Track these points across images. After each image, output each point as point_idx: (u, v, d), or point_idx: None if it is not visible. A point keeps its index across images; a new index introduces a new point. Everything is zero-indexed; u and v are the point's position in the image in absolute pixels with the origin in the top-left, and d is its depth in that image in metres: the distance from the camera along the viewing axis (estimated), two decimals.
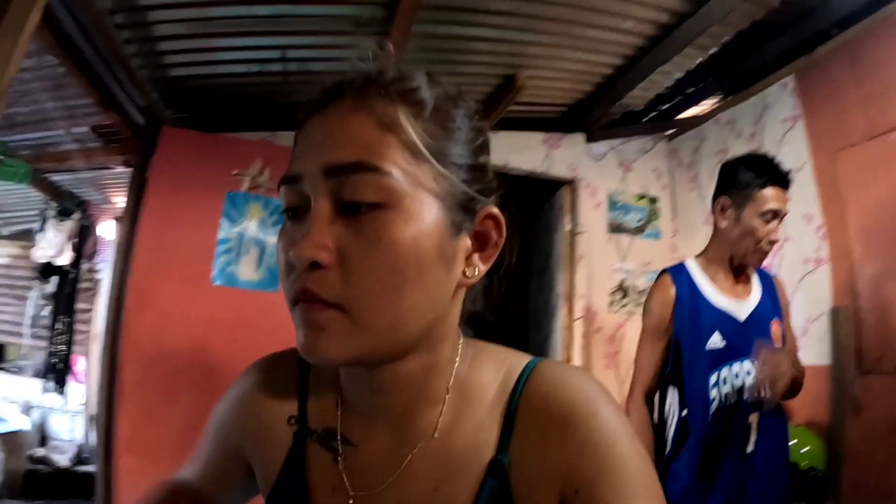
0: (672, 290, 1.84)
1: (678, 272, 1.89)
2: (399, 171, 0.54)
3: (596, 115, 3.56)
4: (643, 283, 3.68)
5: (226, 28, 2.57)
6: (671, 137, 3.98)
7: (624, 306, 3.66)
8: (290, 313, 0.57)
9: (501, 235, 0.64)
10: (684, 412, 1.79)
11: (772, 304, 1.87)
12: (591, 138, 3.82)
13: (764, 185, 1.76)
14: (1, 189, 4.29)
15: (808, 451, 2.43)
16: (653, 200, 3.89)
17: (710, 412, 1.74)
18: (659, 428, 1.86)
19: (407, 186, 0.54)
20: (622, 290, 3.68)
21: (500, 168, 3.48)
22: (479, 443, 0.62)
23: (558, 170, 3.72)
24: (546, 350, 3.86)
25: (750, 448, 1.74)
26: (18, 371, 4.70)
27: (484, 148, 0.64)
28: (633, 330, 3.59)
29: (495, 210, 0.63)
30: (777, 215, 1.76)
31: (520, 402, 0.62)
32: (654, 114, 3.94)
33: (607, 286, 3.67)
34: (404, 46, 2.64)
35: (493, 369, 0.66)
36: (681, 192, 3.88)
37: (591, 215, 3.73)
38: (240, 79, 2.95)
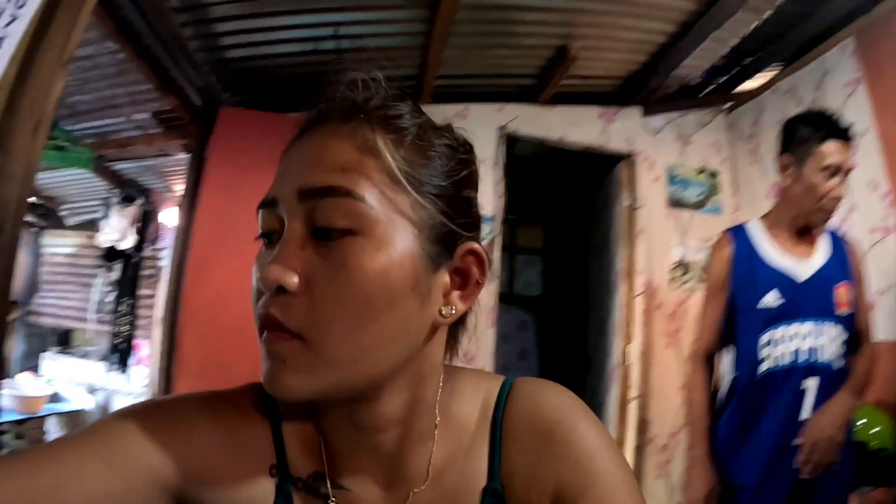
0: (729, 248, 1.83)
1: (737, 231, 1.88)
2: (374, 197, 0.53)
3: (652, 86, 3.46)
4: (704, 259, 3.55)
5: (279, 7, 2.59)
6: (730, 110, 3.84)
7: (685, 283, 3.56)
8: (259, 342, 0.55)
9: (484, 273, 0.61)
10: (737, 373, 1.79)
11: (840, 267, 1.78)
12: (647, 112, 3.72)
13: (823, 140, 1.70)
14: (66, 180, 4.43)
15: (877, 431, 2.29)
16: (713, 175, 3.77)
17: (759, 373, 1.72)
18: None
19: (381, 213, 0.53)
20: (683, 266, 3.57)
21: (556, 143, 3.52)
22: (470, 473, 0.62)
23: (615, 144, 3.64)
24: (606, 329, 3.79)
25: (804, 415, 1.68)
26: (85, 355, 4.86)
27: (468, 182, 0.61)
28: (694, 307, 3.47)
29: (477, 246, 0.60)
30: (839, 170, 1.70)
31: (503, 425, 0.63)
32: (711, 87, 3.82)
33: (667, 262, 3.57)
34: (454, 19, 2.62)
35: (472, 396, 0.65)
36: (742, 166, 3.74)
37: (649, 190, 3.63)
38: (294, 58, 2.97)
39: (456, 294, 0.59)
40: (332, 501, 0.61)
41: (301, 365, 0.52)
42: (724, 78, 3.70)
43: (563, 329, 4.84)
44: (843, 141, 1.71)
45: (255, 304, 0.55)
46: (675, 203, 3.65)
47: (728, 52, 3.21)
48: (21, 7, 0.87)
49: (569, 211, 5.00)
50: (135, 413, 0.59)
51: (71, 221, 5.07)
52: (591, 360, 4.12)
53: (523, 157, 4.39)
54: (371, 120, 0.56)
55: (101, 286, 4.64)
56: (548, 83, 3.30)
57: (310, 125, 0.58)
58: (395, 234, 0.53)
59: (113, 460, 0.53)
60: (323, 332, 0.51)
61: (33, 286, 5.03)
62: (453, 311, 0.58)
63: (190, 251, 2.89)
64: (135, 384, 4.24)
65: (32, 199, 4.74)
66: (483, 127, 3.47)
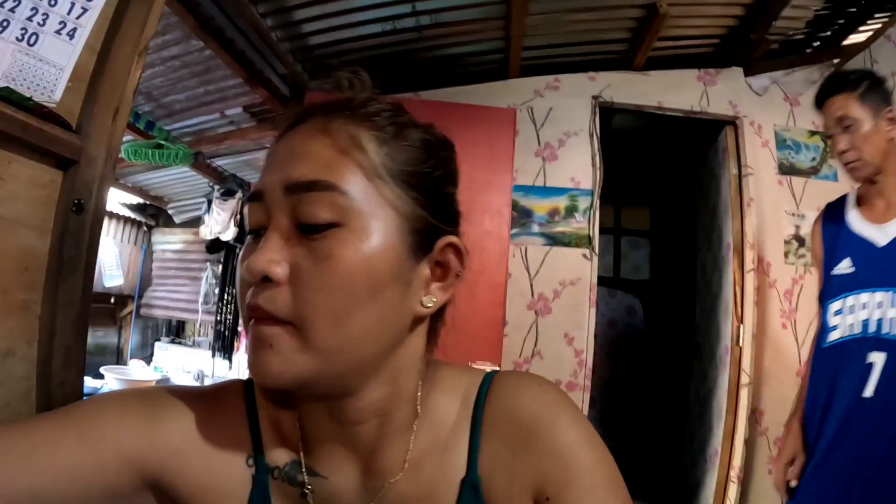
0: (820, 220, 1.83)
1: (836, 201, 1.82)
2: (357, 189, 0.54)
3: (752, 43, 3.20)
4: None
5: None
6: (840, 66, 3.48)
7: (801, 257, 3.27)
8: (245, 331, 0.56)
9: (463, 266, 0.62)
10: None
11: None
12: (749, 72, 3.45)
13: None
14: (170, 179, 4.69)
15: None
16: (826, 137, 3.43)
17: (828, 342, 1.64)
18: None
19: (364, 205, 0.54)
20: (798, 238, 3.28)
21: (654, 109, 3.33)
22: (448, 466, 0.62)
23: (717, 107, 3.38)
24: (716, 310, 3.55)
25: (868, 392, 1.52)
26: (194, 345, 5.13)
27: (448, 178, 0.64)
28: (811, 284, 3.22)
29: (457, 239, 0.62)
30: (829, 130, 1.66)
31: (483, 419, 0.63)
32: (818, 42, 3.51)
33: (781, 234, 3.29)
34: None
35: (452, 391, 0.65)
36: None
37: (757, 156, 3.34)
38: (376, 39, 2.95)
39: (436, 286, 0.61)
40: (308, 489, 0.62)
41: (286, 350, 0.53)
42: (831, 31, 3.40)
43: (672, 313, 4.63)
44: (831, 97, 1.65)
45: (240, 297, 0.57)
46: (787, 170, 3.35)
47: (831, 1, 2.93)
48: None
49: (675, 189, 4.78)
50: (115, 397, 0.63)
51: (178, 219, 5.36)
52: (699, 346, 3.89)
53: (623, 131, 4.23)
54: (355, 116, 0.58)
55: (208, 279, 4.87)
56: (640, 47, 3.12)
57: (295, 122, 0.60)
58: (379, 225, 0.55)
59: (85, 437, 0.57)
60: (311, 321, 0.52)
61: (145, 281, 5.35)
62: (434, 301, 0.60)
63: None
64: (237, 370, 4.41)
65: (141, 200, 5.04)
66: (576, 97, 3.35)
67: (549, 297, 3.20)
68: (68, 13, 0.91)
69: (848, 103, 1.60)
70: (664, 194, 5.04)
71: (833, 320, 1.64)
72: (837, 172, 3.36)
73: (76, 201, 0.95)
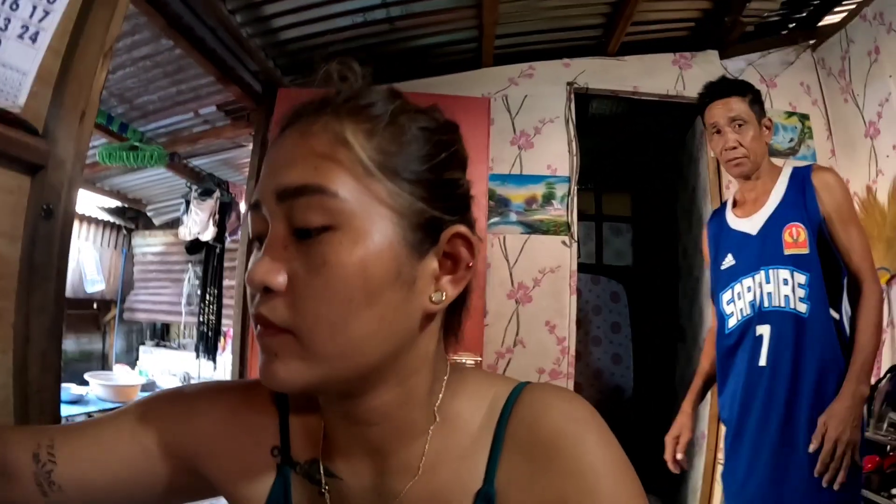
0: (705, 231, 2.03)
1: (717, 209, 2.03)
2: (348, 190, 0.52)
3: (727, 25, 3.21)
4: None
5: None
6: (815, 46, 3.50)
7: None
8: None
9: (474, 256, 0.59)
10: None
11: (793, 207, 1.75)
12: (725, 54, 3.46)
13: (705, 107, 1.85)
14: (148, 181, 4.65)
15: None
16: (803, 118, 3.44)
17: (728, 328, 1.82)
18: None
19: (356, 206, 0.52)
20: None
21: (629, 94, 3.32)
22: (464, 475, 0.60)
23: (693, 91, 3.30)
24: (698, 294, 3.57)
25: (762, 362, 1.72)
26: (180, 348, 5.11)
27: (451, 163, 0.59)
28: None
29: (464, 229, 0.58)
30: (718, 126, 1.80)
31: (506, 431, 0.60)
32: (793, 24, 3.52)
33: None
34: None
35: (478, 398, 0.63)
36: (834, 105, 3.39)
37: None
38: (348, 32, 2.93)
39: (446, 279, 0.58)
40: (325, 489, 0.62)
41: (291, 357, 0.53)
42: (806, 12, 3.41)
43: (655, 298, 4.66)
44: (724, 98, 1.81)
45: (250, 305, 0.56)
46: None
47: None
48: (53, 2, 0.91)
49: (656, 174, 4.80)
50: (158, 399, 0.71)
51: (157, 221, 5.32)
52: (683, 329, 3.90)
53: (602, 118, 4.23)
54: (340, 112, 0.55)
55: (190, 280, 4.84)
56: (614, 32, 3.13)
57: (286, 125, 0.58)
58: (373, 226, 0.53)
59: (136, 434, 0.66)
60: (310, 329, 0.52)
61: (127, 285, 5.31)
62: (444, 297, 0.57)
63: None
64: (223, 371, 4.40)
65: (120, 203, 5.00)
66: (551, 84, 3.35)
67: (529, 285, 3.20)
68: (30, 17, 0.89)
69: (742, 105, 1.78)
70: (645, 180, 5.05)
71: (727, 308, 1.82)
72: (815, 153, 3.37)
73: (45, 206, 0.94)
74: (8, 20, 0.86)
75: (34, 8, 0.89)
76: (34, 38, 0.90)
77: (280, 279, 0.52)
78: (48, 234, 0.95)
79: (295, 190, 0.52)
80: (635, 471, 0.57)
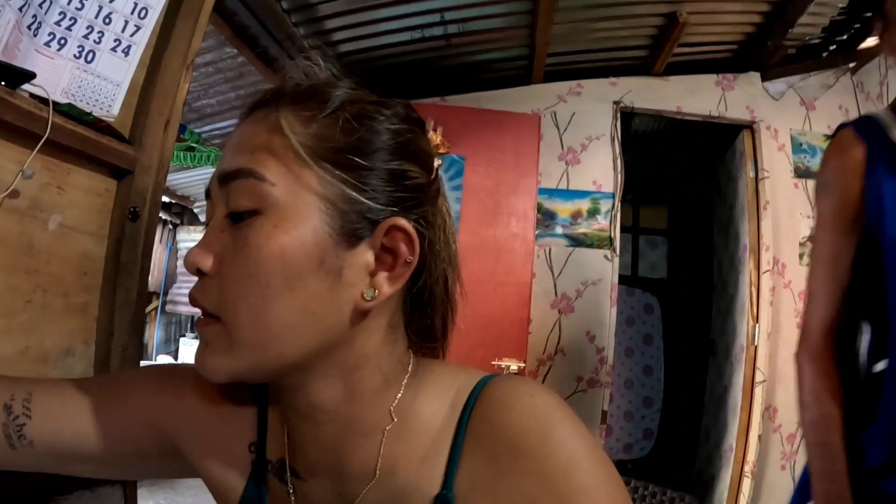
0: (859, 150, 1.08)
1: (865, 125, 1.12)
2: (277, 175, 0.52)
3: (769, 49, 3.27)
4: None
5: None
6: (855, 70, 3.53)
7: None
8: None
9: (414, 252, 0.56)
10: (880, 365, 1.05)
11: None
12: (766, 77, 3.51)
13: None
14: (198, 178, 4.78)
15: None
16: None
17: None
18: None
19: (284, 192, 0.52)
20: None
21: (673, 114, 3.42)
22: (423, 478, 0.57)
23: (735, 112, 3.46)
24: (731, 309, 3.63)
25: None
26: None
27: (401, 153, 0.57)
28: None
29: (403, 222, 0.55)
30: None
31: (468, 430, 0.56)
32: (833, 47, 3.54)
33: (796, 236, 3.36)
34: None
35: (439, 395, 0.60)
36: None
37: (774, 159, 3.42)
38: (405, 47, 3.03)
39: (383, 275, 0.56)
40: (291, 489, 0.62)
41: (219, 347, 0.53)
42: (846, 35, 3.43)
43: (688, 312, 4.68)
44: None
45: None
46: (803, 173, 3.42)
47: (847, 6, 2.99)
48: (143, 18, 0.97)
49: (693, 189, 4.81)
50: (150, 370, 0.71)
51: (203, 218, 5.45)
52: (715, 343, 3.96)
53: (643, 134, 4.29)
54: (283, 100, 0.56)
55: None
56: (660, 53, 3.20)
57: (242, 116, 0.59)
58: (298, 212, 0.52)
59: (118, 402, 0.66)
60: (232, 313, 0.52)
61: (170, 278, 5.44)
62: (376, 294, 0.55)
63: None
64: None
65: (168, 199, 5.14)
66: (598, 102, 3.43)
67: (571, 296, 3.29)
68: (122, 31, 0.95)
69: None
70: (682, 194, 5.08)
71: None
72: None
73: (132, 209, 1.00)
74: (102, 34, 0.92)
75: (126, 23, 0.95)
76: (126, 52, 0.96)
77: (208, 262, 0.54)
78: (133, 234, 1.00)
79: (230, 174, 0.54)
80: (613, 463, 0.54)
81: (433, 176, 0.61)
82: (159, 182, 1.06)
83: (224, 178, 0.55)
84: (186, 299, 4.13)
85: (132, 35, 0.96)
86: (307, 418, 0.58)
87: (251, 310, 0.52)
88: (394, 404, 0.58)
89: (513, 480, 0.52)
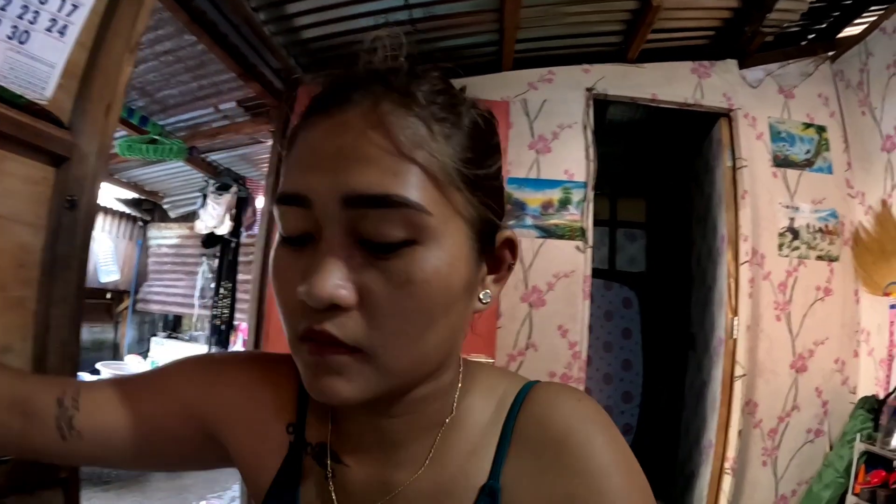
0: None
1: None
2: (430, 202, 0.48)
3: (747, 35, 3.20)
4: (816, 222, 3.28)
5: None
6: (834, 58, 3.50)
7: (795, 249, 3.27)
8: (290, 347, 0.53)
9: (515, 258, 0.59)
10: None
11: None
12: (744, 64, 3.45)
13: None
14: (166, 174, 4.69)
15: None
16: (820, 129, 3.43)
17: None
18: None
19: (438, 219, 0.49)
20: (792, 231, 3.28)
21: (648, 101, 3.32)
22: (470, 469, 0.58)
23: (712, 100, 3.39)
24: (710, 302, 3.58)
25: None
26: (192, 340, 5.15)
27: (500, 169, 0.58)
28: (805, 277, 3.26)
29: (512, 234, 0.58)
30: None
31: (514, 427, 0.58)
32: (813, 35, 3.52)
33: (775, 226, 3.29)
34: None
35: (489, 394, 0.61)
36: (851, 118, 3.39)
37: (752, 148, 3.35)
38: (368, 32, 2.93)
39: (490, 278, 0.58)
40: (330, 474, 0.61)
41: (359, 377, 0.50)
42: (826, 23, 3.40)
43: (668, 305, 4.65)
44: None
45: (284, 312, 0.52)
46: (781, 162, 3.36)
47: None
48: None
49: (672, 181, 4.77)
50: (187, 361, 0.71)
51: (173, 214, 5.37)
52: (694, 337, 3.90)
53: (619, 124, 4.22)
54: (410, 102, 0.49)
55: (204, 273, 4.88)
56: (634, 39, 3.13)
57: (334, 102, 0.50)
58: (451, 239, 0.50)
59: (158, 392, 0.67)
60: (385, 347, 0.49)
61: (141, 276, 5.35)
62: (490, 296, 0.57)
63: (275, 225, 2.95)
64: None
65: (137, 195, 5.05)
66: (570, 90, 3.35)
67: (542, 289, 3.21)
68: (59, 10, 0.91)
69: None
70: (660, 186, 5.04)
71: None
72: (832, 165, 3.38)
73: (69, 198, 0.96)
74: (37, 13, 0.88)
75: (63, 2, 0.91)
76: (62, 32, 0.92)
77: (352, 296, 0.48)
78: (71, 225, 0.97)
79: (373, 199, 0.47)
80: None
81: None
82: (99, 169, 1.03)
83: (359, 201, 0.47)
84: (158, 297, 4.06)
85: (69, 15, 0.93)
86: (381, 413, 0.58)
87: (410, 340, 0.50)
88: (455, 401, 0.60)
89: (555, 475, 0.55)
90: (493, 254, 0.57)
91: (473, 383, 0.62)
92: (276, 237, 0.54)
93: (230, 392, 0.66)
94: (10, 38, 0.85)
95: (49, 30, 0.90)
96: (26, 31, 0.87)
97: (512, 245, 0.58)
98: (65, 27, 0.92)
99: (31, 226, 0.93)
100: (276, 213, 0.52)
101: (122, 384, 0.68)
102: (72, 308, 0.98)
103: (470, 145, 0.51)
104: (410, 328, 0.49)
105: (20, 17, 0.86)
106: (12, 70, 0.86)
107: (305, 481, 0.62)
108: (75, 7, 0.93)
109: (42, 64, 0.90)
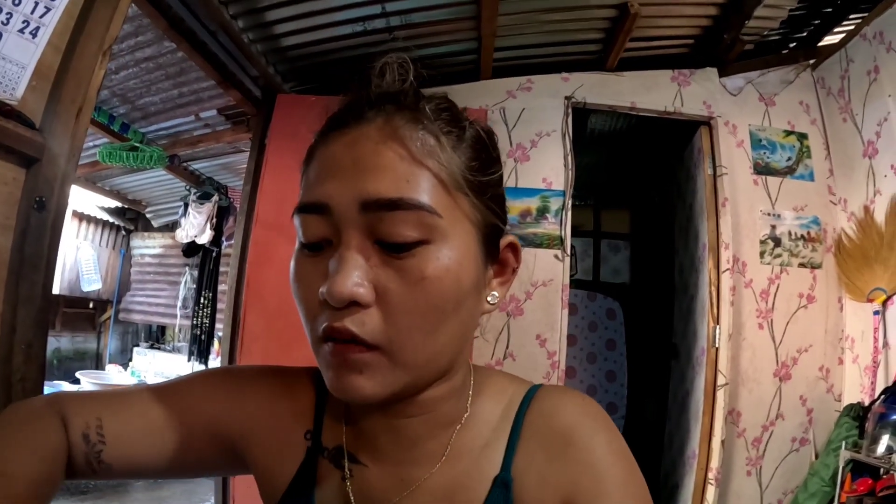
0: None
1: None
2: (441, 205, 0.53)
3: (726, 43, 3.20)
4: (798, 229, 3.27)
5: None
6: (815, 66, 3.51)
7: (777, 257, 3.26)
8: (313, 349, 0.56)
9: (518, 262, 0.64)
10: None
11: None
12: (724, 72, 3.45)
13: None
14: (148, 182, 4.68)
15: None
16: (802, 137, 3.43)
17: None
18: None
19: (448, 221, 0.53)
20: (773, 238, 3.27)
21: (627, 109, 3.31)
22: (484, 463, 0.62)
23: (692, 108, 3.38)
24: (692, 311, 3.56)
25: None
26: (175, 351, 5.11)
27: (501, 176, 0.64)
28: (787, 285, 3.24)
29: (514, 238, 0.64)
30: None
31: (524, 424, 0.63)
32: (793, 43, 3.54)
33: (756, 234, 3.28)
34: None
35: (498, 394, 0.66)
36: (832, 125, 3.39)
37: (732, 155, 3.34)
38: (347, 40, 2.94)
39: (496, 281, 0.63)
40: (348, 475, 0.64)
41: (378, 373, 0.53)
42: (806, 31, 3.42)
43: (651, 316, 4.66)
44: None
45: (307, 314, 0.56)
46: (762, 170, 3.35)
47: (806, 1, 2.95)
48: None
49: (654, 191, 4.79)
50: (207, 375, 0.73)
51: (156, 223, 5.35)
52: (677, 347, 3.88)
53: (599, 134, 4.22)
54: (420, 116, 0.55)
55: (187, 283, 4.85)
56: (613, 47, 3.12)
57: (351, 119, 0.56)
58: (461, 240, 0.54)
59: (185, 412, 0.67)
60: (401, 342, 0.53)
61: (124, 286, 5.32)
62: (496, 298, 0.62)
63: (252, 234, 2.96)
64: None
65: (120, 204, 5.02)
66: (549, 98, 3.34)
67: (520, 298, 3.18)
68: (32, 12, 0.93)
69: None
70: (644, 197, 5.06)
71: None
72: (814, 172, 3.37)
73: (38, 199, 0.98)
74: (10, 15, 0.89)
75: (36, 4, 0.93)
76: (34, 34, 0.94)
77: (370, 294, 0.52)
78: (40, 226, 0.98)
79: (389, 203, 0.51)
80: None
81: None
82: (69, 171, 1.04)
83: (375, 205, 0.52)
84: (141, 307, 4.03)
85: (42, 16, 0.95)
86: (398, 414, 0.61)
87: (424, 337, 0.53)
88: (469, 398, 0.65)
89: (561, 465, 0.59)
90: (498, 257, 0.62)
91: (484, 386, 0.67)
92: (297, 245, 0.58)
93: (252, 408, 0.69)
94: None
95: (21, 31, 0.92)
96: None
97: (515, 249, 0.63)
98: (37, 29, 0.94)
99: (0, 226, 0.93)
100: (297, 221, 0.56)
101: (145, 405, 0.67)
102: (38, 309, 0.98)
103: (474, 155, 0.57)
104: (425, 323, 0.53)
105: None
106: None
107: (322, 484, 0.65)
108: (48, 9, 0.95)
109: (13, 64, 0.91)
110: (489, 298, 0.61)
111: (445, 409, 0.63)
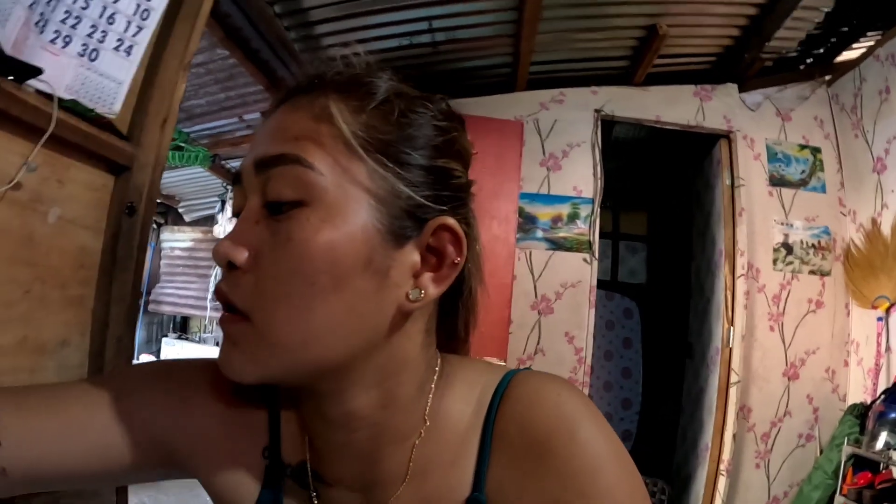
0: None
1: None
2: (326, 165, 0.49)
3: (747, 61, 3.36)
4: (809, 239, 3.45)
5: (375, 6, 2.70)
6: (830, 82, 3.65)
7: (789, 264, 3.43)
8: None
9: (461, 253, 0.54)
10: None
11: None
12: (744, 88, 3.61)
13: None
14: (184, 178, 4.79)
15: None
16: (815, 151, 3.60)
17: None
18: None
19: (332, 183, 0.49)
20: (786, 246, 3.45)
21: (652, 123, 3.51)
22: (453, 481, 0.56)
23: (712, 122, 3.55)
24: (707, 312, 3.72)
25: None
26: (201, 341, 5.25)
27: (446, 151, 0.55)
28: (798, 291, 3.41)
29: (452, 221, 0.54)
30: None
31: (494, 432, 0.56)
32: (810, 60, 3.67)
33: (770, 242, 3.45)
34: (542, 5, 2.66)
35: (466, 393, 0.59)
36: (845, 140, 3.55)
37: (749, 168, 3.51)
38: (393, 53, 3.07)
39: (428, 276, 0.54)
40: (314, 495, 0.59)
41: (249, 347, 0.50)
42: (822, 49, 3.55)
43: (667, 316, 4.76)
44: None
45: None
46: (777, 181, 3.52)
47: (823, 21, 3.08)
48: (145, 19, 0.98)
49: (672, 197, 4.88)
50: (149, 373, 0.63)
51: (188, 218, 5.47)
52: (692, 346, 4.06)
53: (623, 141, 4.37)
54: (328, 87, 0.52)
55: (217, 277, 4.98)
56: (640, 64, 3.28)
57: (279, 100, 0.55)
58: (347, 206, 0.49)
59: (116, 419, 0.57)
60: (268, 313, 0.49)
61: (153, 278, 5.45)
62: (422, 295, 0.53)
63: None
64: None
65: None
66: (579, 110, 3.50)
67: (551, 298, 3.36)
68: (125, 31, 0.95)
69: None
70: (662, 201, 5.16)
71: None
72: (826, 185, 3.53)
73: (129, 204, 1.01)
74: (105, 33, 0.91)
75: (129, 23, 0.95)
76: (129, 52, 0.96)
77: (243, 255, 0.50)
78: (130, 229, 1.01)
79: (271, 159, 0.50)
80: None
81: None
82: (155, 179, 1.07)
83: (263, 164, 0.51)
84: (170, 299, 4.17)
85: (134, 35, 0.97)
86: (338, 426, 0.56)
87: (293, 309, 0.49)
88: (427, 409, 0.57)
89: (539, 480, 0.52)
90: (429, 245, 0.54)
91: (449, 384, 0.59)
92: None
93: (203, 421, 0.60)
94: (80, 55, 0.89)
95: (116, 49, 0.93)
96: (96, 50, 0.91)
97: (455, 236, 0.54)
98: (130, 47, 0.96)
99: (91, 229, 0.97)
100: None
101: (63, 404, 0.57)
102: (128, 307, 1.00)
103: (391, 124, 0.52)
104: (290, 293, 0.48)
105: (90, 35, 0.90)
106: (83, 86, 0.90)
107: None
108: (140, 29, 0.97)
109: (110, 80, 0.94)
110: (411, 294, 0.52)
111: (393, 423, 0.56)
